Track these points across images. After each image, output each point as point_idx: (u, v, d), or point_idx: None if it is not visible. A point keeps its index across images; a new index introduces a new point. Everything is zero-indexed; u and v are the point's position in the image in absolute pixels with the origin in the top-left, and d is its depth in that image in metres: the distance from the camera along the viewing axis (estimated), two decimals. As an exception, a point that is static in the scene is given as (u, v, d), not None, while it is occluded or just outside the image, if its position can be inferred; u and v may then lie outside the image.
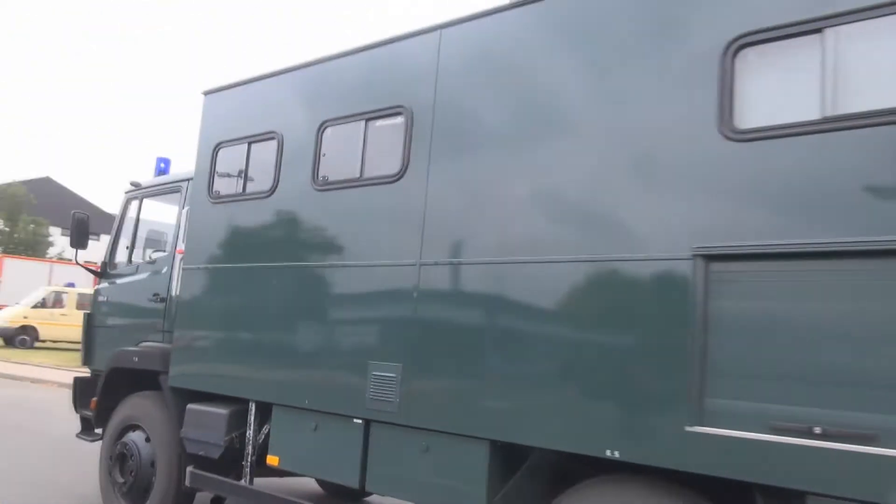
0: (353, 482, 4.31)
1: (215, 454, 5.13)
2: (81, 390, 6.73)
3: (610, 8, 3.67)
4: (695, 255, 3.17)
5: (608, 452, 3.31)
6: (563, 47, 3.83)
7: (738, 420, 3.00)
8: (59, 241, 40.73)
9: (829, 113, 2.96)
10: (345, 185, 4.66)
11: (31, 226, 42.84)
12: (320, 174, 4.82)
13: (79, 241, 6.84)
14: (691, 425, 3.09)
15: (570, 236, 3.61)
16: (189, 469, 5.33)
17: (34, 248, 41.66)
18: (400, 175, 4.35)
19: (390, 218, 4.38)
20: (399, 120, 4.43)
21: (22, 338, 23.83)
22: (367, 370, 4.28)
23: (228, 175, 5.50)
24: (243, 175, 5.37)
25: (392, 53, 4.60)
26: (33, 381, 15.86)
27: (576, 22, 3.80)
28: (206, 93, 5.82)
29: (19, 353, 21.57)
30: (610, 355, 3.40)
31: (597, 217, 3.54)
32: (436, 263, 4.09)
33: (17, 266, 29.53)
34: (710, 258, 3.14)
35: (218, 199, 5.53)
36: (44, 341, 23.98)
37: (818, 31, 3.03)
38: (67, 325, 23.01)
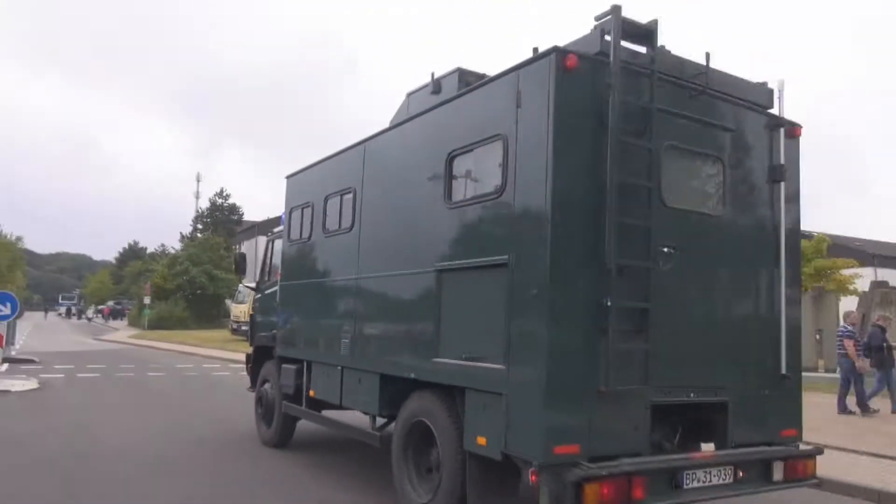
0: (337, 401, 7.71)
1: (291, 392, 8.83)
2: (247, 361, 10.89)
3: (406, 137, 6.70)
4: (435, 269, 6.09)
5: (411, 375, 6.34)
6: (395, 155, 6.91)
7: (450, 353, 5.87)
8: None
9: (472, 194, 5.76)
10: (334, 233, 8.07)
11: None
12: (325, 226, 8.28)
13: (241, 269, 11.06)
14: (435, 357, 6.01)
15: (394, 260, 6.69)
16: (283, 402, 9.11)
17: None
18: (351, 227, 7.66)
19: (348, 252, 7.70)
20: (351, 195, 7.73)
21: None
22: (341, 338, 7.64)
23: (295, 227, 9.17)
24: (300, 227, 9.01)
25: (351, 154, 7.89)
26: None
27: (396, 145, 6.87)
28: (287, 177, 9.57)
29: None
30: (409, 324, 6.43)
31: (401, 250, 6.59)
32: (360, 277, 7.36)
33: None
34: (440, 271, 6.04)
35: (291, 241, 9.24)
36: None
37: (471, 150, 5.83)
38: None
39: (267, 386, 9.82)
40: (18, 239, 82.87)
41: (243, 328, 36.32)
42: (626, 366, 5.10)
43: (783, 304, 6.16)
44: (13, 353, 23.99)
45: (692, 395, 5.60)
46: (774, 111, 6.34)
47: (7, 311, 16.43)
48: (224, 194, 68.06)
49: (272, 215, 64.40)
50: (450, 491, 5.74)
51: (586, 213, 5.07)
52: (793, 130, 6.41)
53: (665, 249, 5.42)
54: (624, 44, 5.32)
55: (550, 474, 4.79)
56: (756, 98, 6.29)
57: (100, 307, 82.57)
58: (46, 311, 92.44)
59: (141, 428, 10.86)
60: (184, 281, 51.58)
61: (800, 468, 5.91)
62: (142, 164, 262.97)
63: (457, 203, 5.98)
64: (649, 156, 5.33)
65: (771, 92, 6.36)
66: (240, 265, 11.15)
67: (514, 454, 5.08)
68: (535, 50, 5.29)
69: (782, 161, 6.26)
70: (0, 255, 68.66)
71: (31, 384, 16.04)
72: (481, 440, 5.37)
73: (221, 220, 67.05)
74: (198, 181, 77.48)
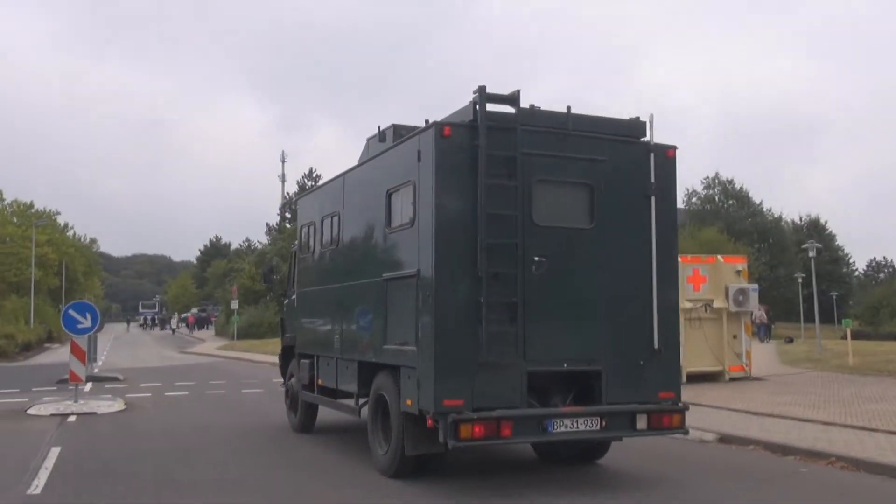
0: (334, 385, 11.00)
1: (306, 382, 12.21)
2: (279, 360, 14.39)
3: (364, 175, 9.91)
4: (383, 279, 9.24)
5: (373, 359, 9.53)
6: (359, 187, 10.14)
7: (393, 341, 9.00)
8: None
9: (400, 223, 8.89)
10: (327, 247, 11.38)
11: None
12: (322, 241, 11.59)
13: (269, 279, 14.60)
14: (384, 345, 9.17)
15: (361, 272, 9.91)
16: (301, 391, 12.52)
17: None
18: (337, 244, 10.93)
19: (333, 262, 10.99)
20: (337, 217, 10.99)
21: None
22: (334, 335, 10.92)
23: (305, 242, 12.55)
24: (308, 242, 12.37)
25: (335, 184, 11.16)
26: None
27: (360, 180, 10.10)
28: (297, 198, 13.02)
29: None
30: (371, 321, 9.60)
31: (364, 263, 9.82)
32: (342, 284, 10.63)
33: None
34: (387, 280, 9.18)
35: (303, 254, 12.63)
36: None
37: (399, 189, 8.95)
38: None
39: (293, 380, 13.26)
40: (93, 242, 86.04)
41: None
42: (501, 344, 8.05)
43: (655, 292, 8.90)
44: (96, 370, 24.65)
45: (565, 365, 8.51)
46: (647, 139, 9.08)
47: (87, 323, 16.23)
48: (314, 175, 64.93)
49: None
50: (396, 442, 8.88)
51: (466, 236, 8.06)
52: (666, 152, 9.12)
53: (536, 258, 8.33)
54: (498, 108, 8.30)
55: (442, 419, 7.86)
56: (630, 131, 9.05)
57: (184, 315, 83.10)
58: (129, 322, 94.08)
59: (241, 454, 11.02)
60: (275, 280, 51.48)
61: (665, 420, 8.68)
62: (218, 147, 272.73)
63: (393, 229, 9.11)
64: (516, 191, 8.25)
65: (644, 124, 9.10)
66: (267, 276, 14.67)
67: (422, 408, 8.16)
68: (427, 121, 8.35)
69: (653, 179, 8.99)
70: (75, 261, 71.23)
71: (118, 405, 16.63)
72: (409, 402, 8.47)
73: (313, 205, 68.81)
74: (283, 162, 77.34)
